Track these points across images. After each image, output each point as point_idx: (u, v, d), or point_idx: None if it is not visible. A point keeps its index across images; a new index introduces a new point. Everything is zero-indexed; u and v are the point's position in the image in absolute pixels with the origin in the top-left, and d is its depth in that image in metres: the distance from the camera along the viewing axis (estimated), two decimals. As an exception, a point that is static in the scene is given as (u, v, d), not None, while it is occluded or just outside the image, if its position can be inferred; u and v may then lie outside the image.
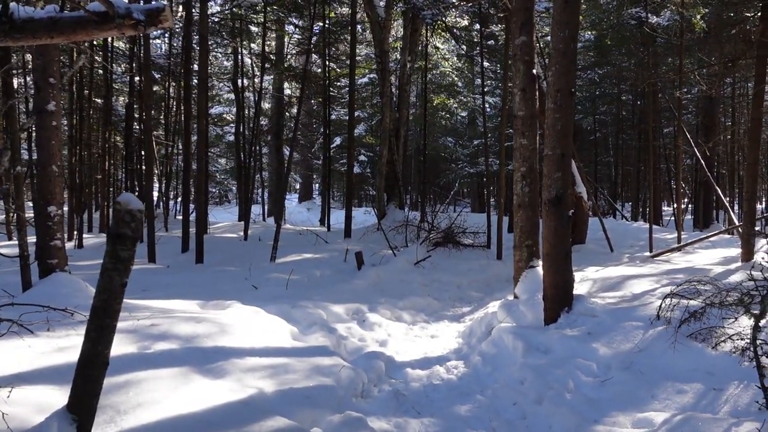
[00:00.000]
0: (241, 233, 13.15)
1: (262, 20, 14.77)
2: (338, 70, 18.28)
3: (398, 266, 9.14)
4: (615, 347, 4.94)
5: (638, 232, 15.16)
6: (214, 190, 34.35)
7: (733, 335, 4.50)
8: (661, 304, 5.33)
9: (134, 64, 15.08)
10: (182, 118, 14.83)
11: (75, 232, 11.71)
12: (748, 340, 4.36)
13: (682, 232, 15.88)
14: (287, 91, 20.94)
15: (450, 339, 6.40)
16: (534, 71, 6.65)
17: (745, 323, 4.69)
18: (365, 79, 23.78)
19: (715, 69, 12.71)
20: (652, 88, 15.61)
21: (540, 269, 6.34)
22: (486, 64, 19.13)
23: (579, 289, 7.54)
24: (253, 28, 17.18)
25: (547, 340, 5.23)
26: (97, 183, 15.35)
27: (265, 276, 8.08)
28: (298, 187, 33.48)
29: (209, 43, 16.73)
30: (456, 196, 27.80)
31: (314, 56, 18.31)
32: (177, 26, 13.92)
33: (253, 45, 19.34)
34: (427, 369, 5.18)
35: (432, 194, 30.47)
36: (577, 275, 8.70)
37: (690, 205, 20.90)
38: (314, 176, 35.40)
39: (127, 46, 16.30)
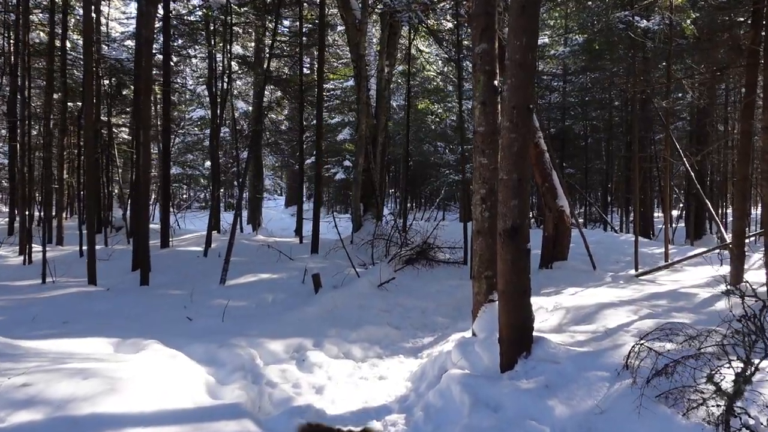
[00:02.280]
0: (203, 246, 12.46)
1: (231, 21, 14.08)
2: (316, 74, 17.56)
3: (359, 289, 8.47)
4: (574, 405, 4.26)
5: (625, 245, 14.52)
6: (201, 194, 33.68)
7: (708, 398, 3.84)
8: (629, 351, 4.66)
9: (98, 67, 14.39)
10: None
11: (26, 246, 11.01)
12: (725, 408, 3.71)
13: (671, 247, 15.25)
14: (268, 95, 20.26)
15: (399, 382, 5.72)
16: (495, 82, 5.98)
17: (725, 382, 4.05)
18: (351, 82, 23.13)
19: (705, 77, 12.07)
20: (641, 95, 14.98)
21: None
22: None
23: (550, 320, 6.88)
24: (236, 29, 16.54)
25: (499, 393, 4.56)
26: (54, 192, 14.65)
27: (208, 303, 7.40)
28: (284, 189, 32.72)
29: (177, 44, 16.08)
30: (446, 203, 27.15)
31: (296, 58, 17.64)
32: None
33: (237, 47, 18.70)
34: (361, 425, 4.50)
35: (417, 203, 29.80)
36: (552, 300, 8.04)
37: (683, 215, 20.25)
38: (306, 182, 34.81)
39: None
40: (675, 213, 23.72)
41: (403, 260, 10.76)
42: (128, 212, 14.87)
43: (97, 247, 9.23)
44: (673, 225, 20.54)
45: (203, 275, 9.08)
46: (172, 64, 19.32)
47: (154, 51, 10.21)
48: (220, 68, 18.37)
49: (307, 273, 8.70)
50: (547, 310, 7.56)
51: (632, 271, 11.19)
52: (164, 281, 8.86)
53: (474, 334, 5.87)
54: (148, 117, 8.48)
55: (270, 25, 14.51)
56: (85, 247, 9.55)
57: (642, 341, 4.64)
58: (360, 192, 14.24)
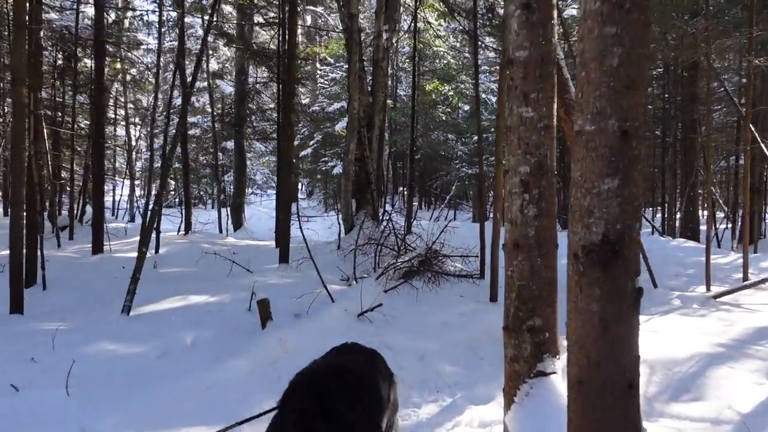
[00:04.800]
0: (152, 251, 9.83)
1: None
2: (306, 46, 14.93)
3: (329, 321, 5.79)
4: None
5: (680, 253, 11.65)
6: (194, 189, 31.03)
7: None
8: None
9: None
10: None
11: None
12: None
13: (731, 254, 12.39)
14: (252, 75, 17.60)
15: None
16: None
17: None
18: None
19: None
20: (687, 73, 12.18)
21: (559, 385, 2.98)
22: (489, 40, 15.71)
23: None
24: None
25: None
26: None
27: (83, 348, 4.76)
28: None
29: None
30: (457, 201, 24.33)
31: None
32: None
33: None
34: None
35: (425, 201, 27.01)
36: None
37: (731, 214, 17.31)
38: (301, 177, 32.10)
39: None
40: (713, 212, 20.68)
41: (400, 274, 8.07)
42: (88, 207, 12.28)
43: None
44: (719, 226, 17.60)
45: (113, 296, 6.43)
46: (140, 36, 16.73)
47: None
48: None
49: (255, 297, 6.00)
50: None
51: (704, 290, 8.44)
52: (52, 306, 6.24)
53: (507, 435, 3.17)
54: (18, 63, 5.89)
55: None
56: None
57: None
58: (351, 185, 11.54)
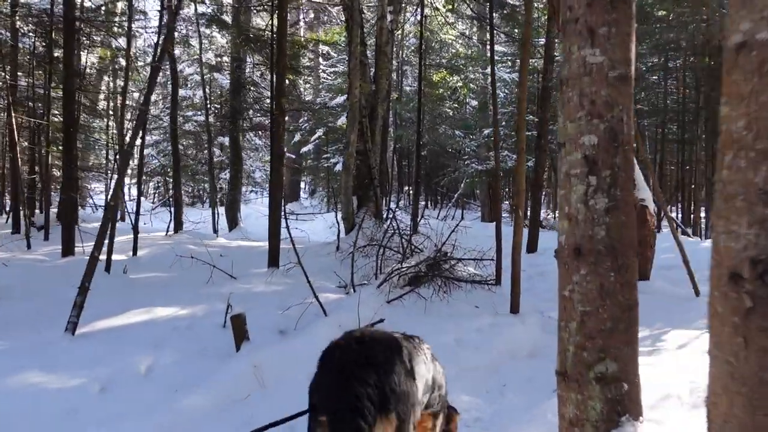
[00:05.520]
0: (129, 254, 8.85)
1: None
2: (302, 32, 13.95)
3: (319, 341, 4.68)
4: None
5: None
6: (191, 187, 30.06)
7: None
8: None
9: None
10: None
11: None
12: None
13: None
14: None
15: None
16: None
17: None
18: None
19: None
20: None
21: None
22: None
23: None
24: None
25: None
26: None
27: (4, 381, 3.75)
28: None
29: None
30: (464, 200, 23.23)
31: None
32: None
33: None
34: None
35: (431, 199, 25.95)
36: (648, 370, 4.04)
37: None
38: (304, 174, 31.07)
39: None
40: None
41: (405, 280, 7.04)
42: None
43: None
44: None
45: (68, 307, 5.41)
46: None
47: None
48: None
49: (231, 309, 4.98)
50: (683, 403, 3.78)
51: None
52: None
53: None
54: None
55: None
56: None
57: None
58: (352, 181, 10.51)
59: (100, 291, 6.27)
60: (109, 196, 19.60)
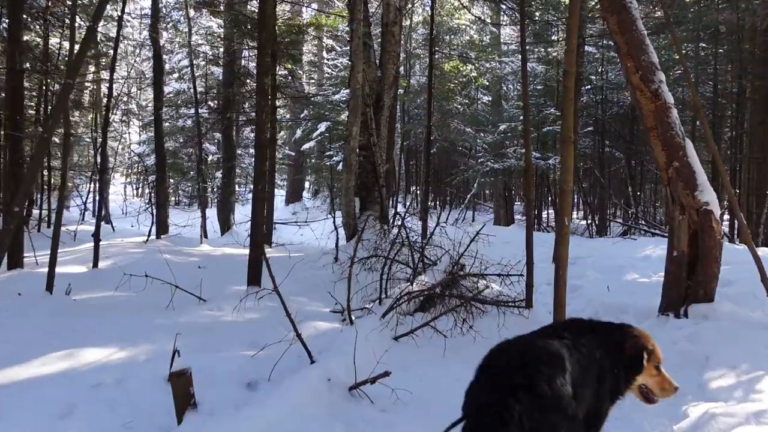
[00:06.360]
0: (90, 265, 7.48)
1: None
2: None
3: (300, 402, 3.35)
4: None
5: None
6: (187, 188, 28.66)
7: None
8: None
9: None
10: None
11: None
12: None
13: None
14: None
15: None
16: None
17: None
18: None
19: None
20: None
21: None
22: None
23: None
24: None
25: None
26: None
27: None
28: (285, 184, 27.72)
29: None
30: (476, 202, 21.77)
31: None
32: None
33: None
34: None
35: (441, 201, 24.48)
36: None
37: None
38: (308, 174, 29.68)
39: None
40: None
41: (417, 304, 5.63)
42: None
43: None
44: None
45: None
46: None
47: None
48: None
49: (176, 357, 3.56)
50: None
51: None
52: None
53: None
54: None
55: None
56: None
57: None
58: (354, 180, 9.10)
59: (25, 321, 4.89)
60: (89, 197, 18.21)
